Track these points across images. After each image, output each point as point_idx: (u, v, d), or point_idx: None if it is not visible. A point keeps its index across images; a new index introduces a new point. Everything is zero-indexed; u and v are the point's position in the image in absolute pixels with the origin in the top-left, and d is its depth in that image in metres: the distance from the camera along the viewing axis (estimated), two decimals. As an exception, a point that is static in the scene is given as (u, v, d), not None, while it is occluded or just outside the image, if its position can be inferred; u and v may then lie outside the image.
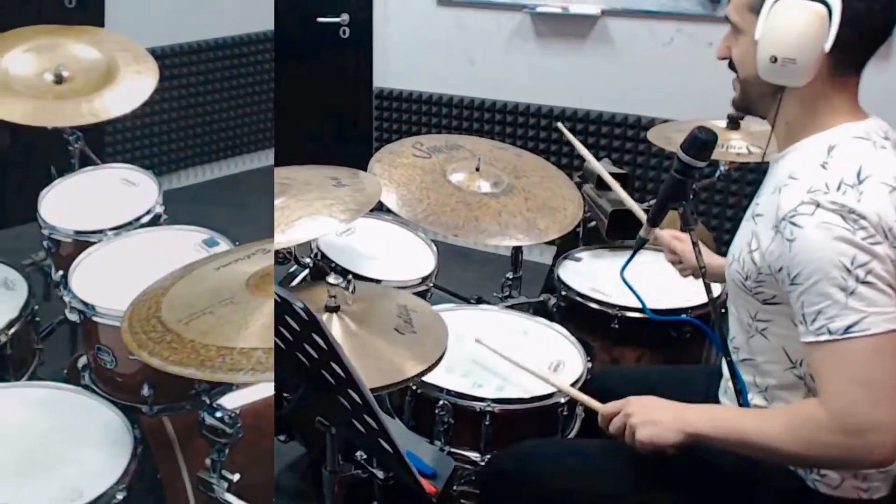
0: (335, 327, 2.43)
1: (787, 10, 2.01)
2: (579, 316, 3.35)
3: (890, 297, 1.89)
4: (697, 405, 2.20)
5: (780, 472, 2.20)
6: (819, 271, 1.90)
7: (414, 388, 2.74)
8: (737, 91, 2.28)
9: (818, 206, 1.92)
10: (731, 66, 2.26)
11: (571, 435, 2.81)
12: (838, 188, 1.93)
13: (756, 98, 2.22)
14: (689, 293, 3.17)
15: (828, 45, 1.99)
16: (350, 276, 2.50)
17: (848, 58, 2.06)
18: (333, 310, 2.46)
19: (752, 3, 2.10)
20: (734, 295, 2.27)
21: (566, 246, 3.79)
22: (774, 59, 2.04)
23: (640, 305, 2.68)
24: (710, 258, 2.67)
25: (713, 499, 2.31)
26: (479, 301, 3.58)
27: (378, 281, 3.30)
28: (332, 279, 2.47)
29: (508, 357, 2.72)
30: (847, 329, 1.88)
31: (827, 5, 1.98)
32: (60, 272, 3.17)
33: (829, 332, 1.90)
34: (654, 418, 2.17)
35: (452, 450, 2.72)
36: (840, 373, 1.91)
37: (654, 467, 2.29)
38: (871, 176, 1.95)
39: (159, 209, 3.59)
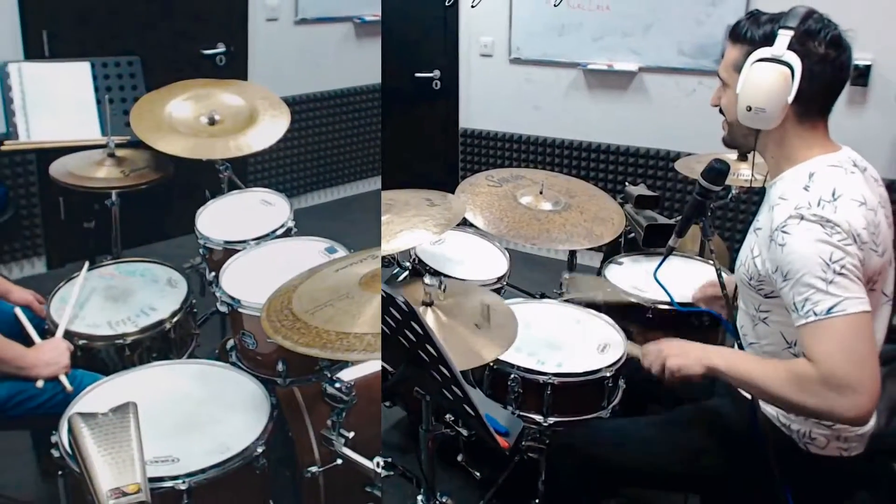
0: (429, 318, 2.43)
1: (760, 70, 2.08)
2: (621, 308, 3.31)
3: (860, 286, 1.95)
4: (719, 346, 2.26)
5: (781, 437, 2.24)
6: (804, 267, 1.97)
7: (491, 364, 2.74)
8: (725, 131, 2.33)
9: (802, 218, 2.00)
10: (721, 111, 2.31)
11: (615, 401, 2.79)
12: (818, 204, 2.01)
13: (739, 137, 2.28)
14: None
15: (790, 98, 2.07)
16: (442, 278, 2.50)
17: (810, 106, 2.13)
18: (428, 304, 2.46)
19: (736, 63, 2.17)
20: (742, 293, 2.31)
21: (611, 253, 3.76)
22: (749, 108, 2.12)
23: (669, 300, 2.67)
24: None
25: (733, 460, 2.33)
26: (542, 296, 3.54)
27: (463, 280, 3.29)
28: (427, 280, 2.47)
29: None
30: (829, 310, 1.93)
31: (790, 67, 2.05)
32: (213, 273, 3.20)
33: (815, 314, 1.95)
34: (682, 351, 2.24)
35: (521, 413, 2.72)
36: (826, 343, 1.94)
37: (686, 444, 2.35)
38: (843, 194, 2.02)
39: (290, 223, 3.59)
